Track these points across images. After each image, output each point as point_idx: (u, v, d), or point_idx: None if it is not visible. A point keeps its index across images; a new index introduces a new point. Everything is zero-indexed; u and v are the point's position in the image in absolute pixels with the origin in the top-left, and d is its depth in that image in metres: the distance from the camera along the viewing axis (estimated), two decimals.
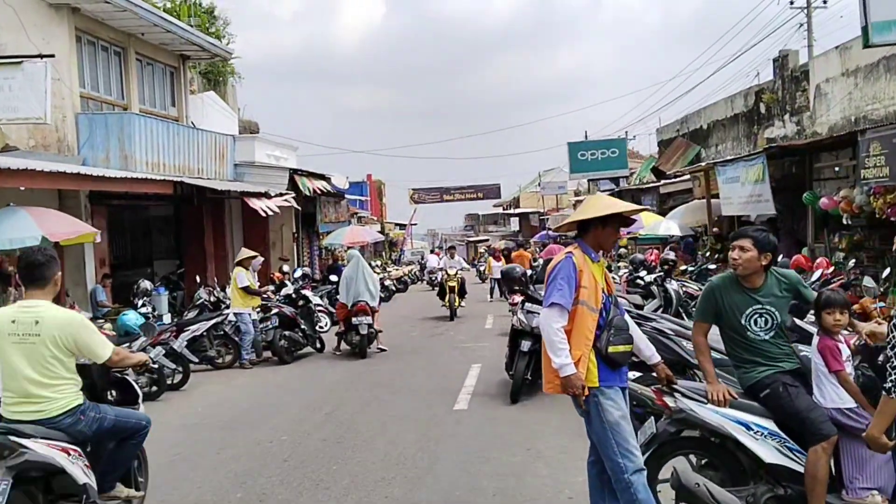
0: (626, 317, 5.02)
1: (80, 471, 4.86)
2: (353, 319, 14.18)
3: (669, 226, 19.57)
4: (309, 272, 19.08)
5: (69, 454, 4.84)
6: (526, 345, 9.47)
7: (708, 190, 20.71)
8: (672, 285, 13.85)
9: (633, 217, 5.36)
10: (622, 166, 29.52)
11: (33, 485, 4.81)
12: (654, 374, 5.19)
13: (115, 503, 5.30)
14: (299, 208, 21.03)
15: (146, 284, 13.90)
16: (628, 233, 20.74)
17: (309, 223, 25.07)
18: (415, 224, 56.20)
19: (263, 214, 18.97)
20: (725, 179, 18.09)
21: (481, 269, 27.34)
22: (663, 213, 23.59)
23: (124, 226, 19.75)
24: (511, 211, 65.55)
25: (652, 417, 5.35)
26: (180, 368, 11.85)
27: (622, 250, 22.43)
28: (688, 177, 25.16)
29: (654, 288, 13.99)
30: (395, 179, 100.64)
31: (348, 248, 23.85)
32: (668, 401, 5.10)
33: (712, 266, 16.94)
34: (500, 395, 9.98)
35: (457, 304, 20.63)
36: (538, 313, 9.82)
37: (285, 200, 20.25)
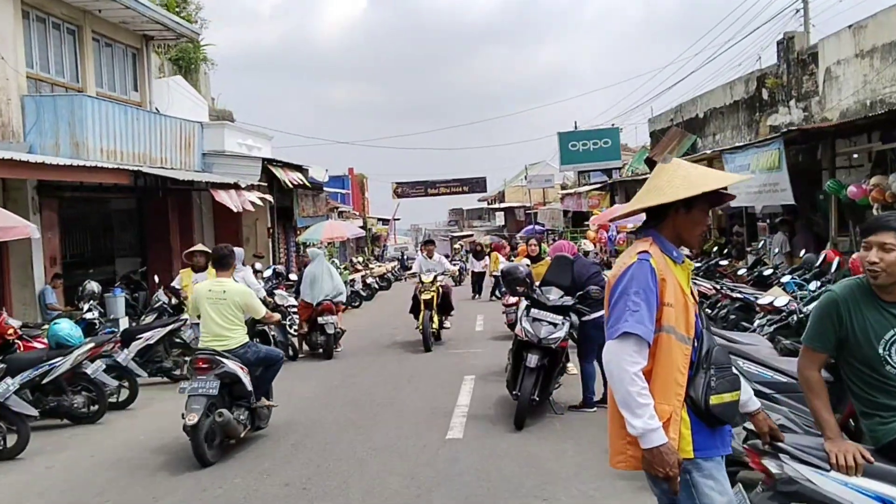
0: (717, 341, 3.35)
1: (249, 382, 7.69)
2: (319, 319, 13.62)
3: None
4: (283, 270, 17.32)
5: (242, 371, 7.63)
6: (533, 360, 7.82)
7: None
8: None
9: (728, 193, 3.69)
10: (615, 157, 27.92)
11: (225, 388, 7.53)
12: (751, 427, 3.54)
13: (262, 408, 8.07)
14: (272, 201, 19.18)
15: (93, 286, 12.06)
16: (630, 225, 19.13)
17: (285, 217, 23.31)
18: (398, 219, 54.40)
19: (235, 210, 17.19)
20: (734, 168, 16.49)
21: (477, 268, 24.50)
22: None
23: (81, 220, 17.93)
24: (496, 205, 63.84)
25: (740, 485, 3.72)
26: (126, 384, 10.16)
27: (592, 245, 20.81)
28: None
29: None
30: (377, 174, 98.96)
31: (311, 246, 22.25)
32: (771, 465, 3.45)
33: (723, 262, 15.33)
34: (501, 418, 8.33)
35: (436, 325, 14.28)
36: (547, 322, 8.27)
37: (260, 198, 18.48)
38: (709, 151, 18.58)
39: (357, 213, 42.36)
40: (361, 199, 44.66)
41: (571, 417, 8.28)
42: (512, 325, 14.02)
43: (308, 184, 22.32)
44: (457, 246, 28.98)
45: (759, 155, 15.19)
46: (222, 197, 16.69)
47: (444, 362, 12.37)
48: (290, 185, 20.96)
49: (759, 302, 10.32)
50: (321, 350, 13.75)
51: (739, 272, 14.24)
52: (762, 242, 15.34)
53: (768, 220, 16.71)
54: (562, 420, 8.18)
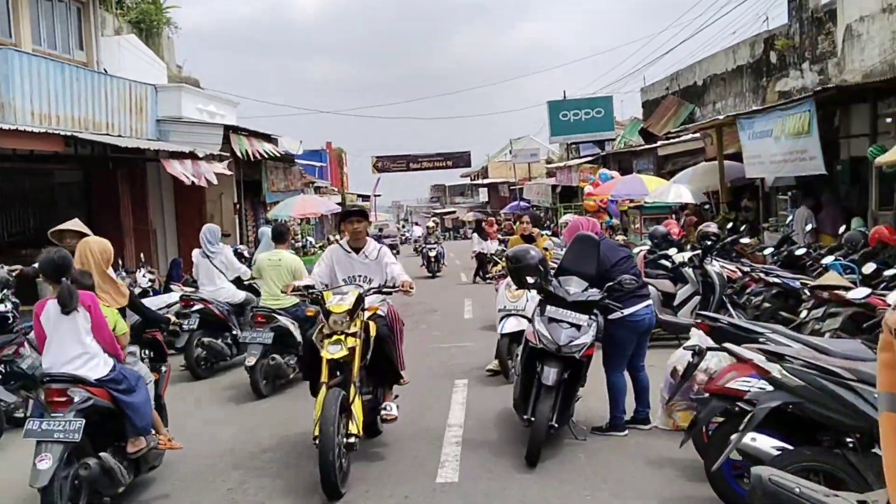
0: None
1: (298, 334, 9.27)
2: None
3: (680, 192, 15.96)
4: (247, 252, 15.19)
5: (293, 325, 9.34)
6: (551, 374, 5.80)
7: (720, 149, 17.18)
8: (714, 267, 10.26)
9: None
10: (608, 128, 25.89)
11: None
12: None
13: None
14: (230, 173, 16.91)
15: (2, 272, 9.86)
16: (630, 201, 17.15)
17: (254, 192, 21.11)
18: (378, 195, 52.08)
19: (188, 182, 15.01)
20: (752, 135, 14.53)
21: (482, 248, 21.42)
22: (662, 178, 20.00)
23: (17, 194, 15.72)
24: (479, 181, 61.63)
25: None
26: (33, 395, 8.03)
27: (614, 221, 18.80)
28: (688, 137, 21.66)
29: (688, 271, 10.40)
30: (358, 149, 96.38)
31: (269, 221, 20.16)
32: None
33: (746, 240, 13.38)
34: (506, 446, 6.33)
35: (355, 424, 5.68)
36: (567, 323, 5.80)
37: (224, 168, 16.29)
38: (721, 117, 16.54)
39: (335, 189, 40.12)
40: (340, 174, 42.38)
41: (598, 445, 6.30)
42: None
43: (278, 154, 20.07)
44: (430, 224, 25.60)
45: (785, 119, 13.22)
46: (174, 168, 14.48)
47: (429, 362, 10.32)
48: (258, 157, 18.75)
49: (815, 292, 8.41)
50: None
51: (765, 251, 12.30)
52: (789, 218, 13.39)
53: (790, 193, 14.77)
54: (586, 449, 6.19)
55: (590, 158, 28.09)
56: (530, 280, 6.20)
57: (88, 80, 14.87)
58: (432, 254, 24.39)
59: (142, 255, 14.79)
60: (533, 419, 5.81)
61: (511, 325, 8.64)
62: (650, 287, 8.62)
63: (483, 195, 63.10)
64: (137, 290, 13.39)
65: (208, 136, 17.35)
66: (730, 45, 23.08)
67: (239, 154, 17.84)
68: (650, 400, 6.71)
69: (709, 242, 10.49)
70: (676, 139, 21.49)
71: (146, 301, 12.51)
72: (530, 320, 8.61)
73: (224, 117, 19.75)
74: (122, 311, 6.09)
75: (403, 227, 46.67)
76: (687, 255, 10.58)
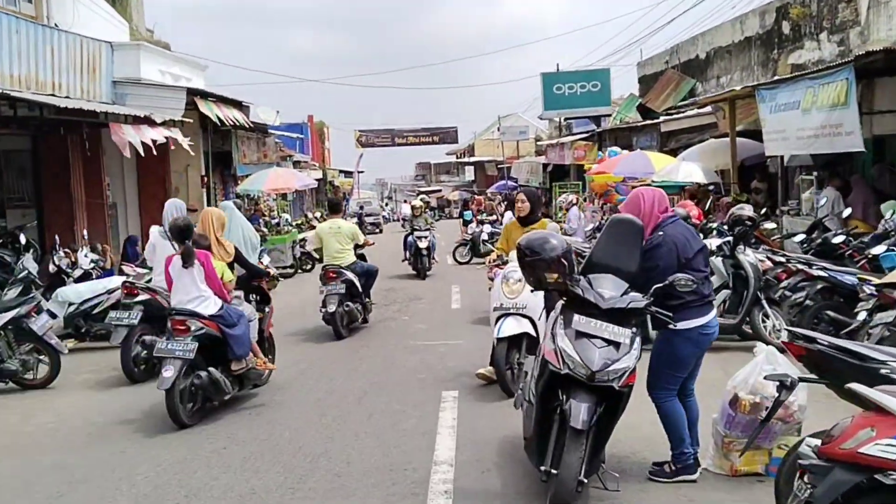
0: None
1: (360, 285, 10.92)
2: None
3: (690, 170, 14.30)
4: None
5: (358, 278, 10.85)
6: (581, 412, 4.11)
7: (733, 124, 15.54)
8: (748, 257, 8.64)
9: None
10: (605, 103, 24.14)
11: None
12: None
13: (368, 303, 11.50)
14: (185, 142, 14.92)
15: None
16: (633, 180, 15.49)
17: (224, 164, 19.30)
18: (361, 171, 50.16)
19: (128, 154, 13.16)
20: (775, 107, 12.87)
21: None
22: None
23: None
24: (466, 159, 59.74)
25: None
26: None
27: (617, 197, 17.08)
28: (693, 112, 20.02)
29: (716, 261, 8.77)
30: (343, 123, 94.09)
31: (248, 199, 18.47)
32: None
33: (769, 224, 11.79)
34: (513, 500, 4.73)
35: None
36: (602, 340, 3.96)
37: (172, 129, 14.40)
38: (738, 88, 14.87)
39: (316, 164, 38.21)
40: (321, 149, 40.40)
41: (635, 497, 4.69)
42: None
43: (249, 124, 18.21)
44: (417, 202, 19.89)
45: (817, 89, 11.57)
46: (120, 136, 12.65)
47: (410, 365, 8.65)
48: (230, 124, 16.90)
49: (883, 290, 6.82)
50: None
51: (795, 238, 10.68)
52: (823, 200, 11.76)
53: (815, 174, 13.16)
54: None
55: (584, 135, 26.41)
56: (550, 279, 4.52)
57: (32, 35, 13.03)
58: (422, 245, 17.56)
59: (85, 231, 13.02)
60: (555, 473, 4.17)
61: (510, 327, 6.99)
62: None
63: (469, 173, 61.22)
64: (78, 273, 11.72)
65: (170, 99, 15.51)
66: (737, 16, 21.44)
67: (213, 118, 15.99)
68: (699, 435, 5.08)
69: (743, 227, 8.82)
70: (680, 114, 19.84)
71: (77, 286, 10.99)
72: (533, 322, 7.12)
73: (190, 81, 17.89)
74: (230, 264, 7.68)
75: (387, 205, 44.62)
76: (714, 241, 8.95)
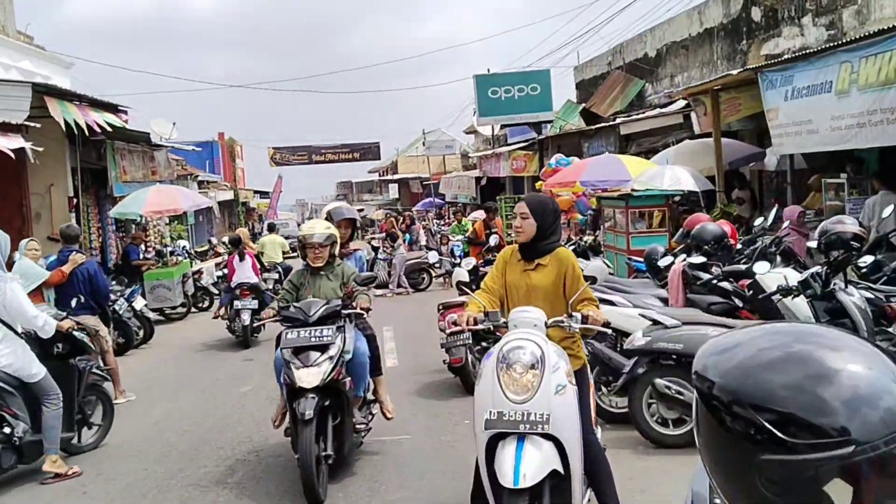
0: None
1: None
2: None
3: (678, 175, 11.19)
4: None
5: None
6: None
7: (717, 120, 12.56)
8: (853, 297, 5.46)
9: None
10: (546, 107, 21.12)
11: None
12: None
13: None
14: (28, 147, 10.92)
15: None
16: (604, 190, 12.31)
17: (99, 183, 15.40)
18: (281, 191, 46.06)
19: None
20: (793, 92, 9.88)
21: None
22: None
23: None
24: (389, 177, 56.11)
25: None
26: None
27: (578, 217, 13.93)
28: (655, 113, 17.16)
29: (797, 303, 5.61)
30: (257, 141, 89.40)
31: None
32: None
33: (787, 236, 8.73)
34: None
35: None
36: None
37: (11, 136, 10.55)
38: (735, 72, 11.85)
39: (227, 184, 34.19)
40: (232, 168, 36.27)
41: None
42: (457, 369, 7.22)
43: (121, 125, 14.18)
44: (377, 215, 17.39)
45: (858, 63, 8.61)
46: None
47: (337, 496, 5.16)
48: (99, 130, 13.02)
49: None
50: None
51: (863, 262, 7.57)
52: (889, 210, 8.60)
53: (846, 175, 10.21)
54: None
55: (524, 144, 23.33)
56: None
57: None
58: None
59: None
60: None
61: (529, 466, 3.58)
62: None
63: (394, 191, 57.65)
64: None
65: (11, 99, 11.63)
66: (694, 6, 18.77)
67: (70, 123, 12.14)
68: None
69: (846, 253, 5.63)
70: (641, 115, 16.96)
71: None
72: (563, 449, 3.73)
73: (50, 79, 13.98)
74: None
75: (278, 230, 40.45)
76: (790, 273, 5.76)
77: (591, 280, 4.29)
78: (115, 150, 15.24)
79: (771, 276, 5.86)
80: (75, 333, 6.10)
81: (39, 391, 5.60)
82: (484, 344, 7.51)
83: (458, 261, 11.38)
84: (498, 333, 4.10)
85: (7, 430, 5.40)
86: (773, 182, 15.81)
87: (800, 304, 5.72)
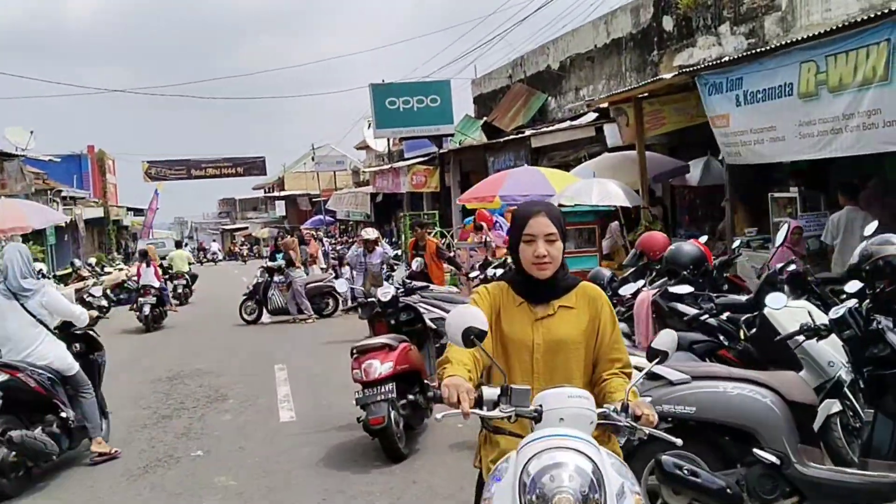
0: None
1: None
2: None
3: (608, 190, 9.92)
4: None
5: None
6: None
7: (640, 132, 11.42)
8: None
9: None
10: (446, 120, 19.71)
11: None
12: None
13: None
14: None
15: None
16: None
17: None
18: (157, 208, 42.93)
19: None
20: (745, 97, 8.76)
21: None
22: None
23: None
24: (276, 194, 53.51)
25: None
26: None
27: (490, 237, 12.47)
28: (566, 125, 16.06)
29: (824, 349, 4.33)
30: (131, 157, 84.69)
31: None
32: None
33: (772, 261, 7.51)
34: None
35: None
36: None
37: None
38: (669, 76, 10.66)
39: (96, 201, 31.14)
40: (102, 183, 33.11)
41: None
42: (377, 431, 5.57)
43: None
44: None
45: (825, 62, 7.52)
46: None
47: None
48: None
49: None
50: None
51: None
52: (872, 229, 7.50)
53: (796, 188, 9.17)
54: None
55: (423, 159, 21.88)
56: None
57: None
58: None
59: None
60: None
61: None
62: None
63: (280, 209, 55.08)
64: None
65: None
66: (600, 16, 17.89)
67: None
68: None
69: (888, 286, 4.34)
70: (553, 128, 15.85)
71: None
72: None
73: None
74: None
75: (186, 244, 37.53)
76: (813, 310, 4.43)
77: (662, 356, 2.67)
78: None
79: (787, 311, 4.53)
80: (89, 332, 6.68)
81: (75, 384, 6.14)
82: (410, 397, 5.88)
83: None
84: (500, 425, 2.46)
85: (63, 415, 5.96)
86: (685, 199, 15.00)
87: (822, 348, 4.42)
